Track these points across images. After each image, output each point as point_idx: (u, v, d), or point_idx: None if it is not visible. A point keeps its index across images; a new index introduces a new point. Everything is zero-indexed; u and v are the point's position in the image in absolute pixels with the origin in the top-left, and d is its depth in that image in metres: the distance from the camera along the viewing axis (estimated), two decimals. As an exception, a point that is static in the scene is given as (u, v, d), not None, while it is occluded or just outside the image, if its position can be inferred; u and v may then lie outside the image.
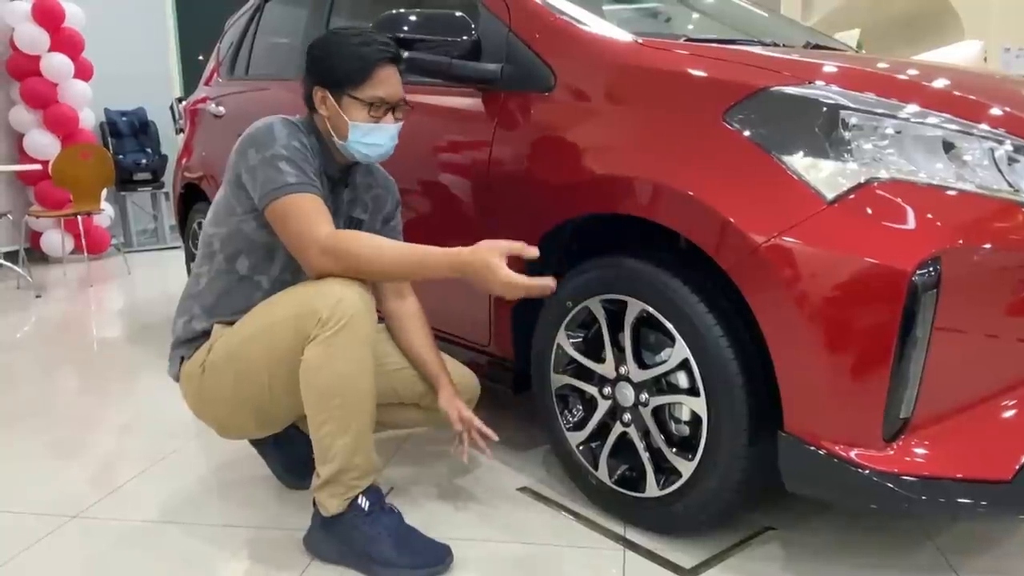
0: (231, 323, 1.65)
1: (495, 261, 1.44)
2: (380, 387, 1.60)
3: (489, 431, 1.78)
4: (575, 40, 1.79)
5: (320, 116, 1.66)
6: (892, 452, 1.30)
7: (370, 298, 1.54)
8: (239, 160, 1.61)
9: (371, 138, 1.63)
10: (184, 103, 3.95)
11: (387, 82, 1.62)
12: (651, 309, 1.56)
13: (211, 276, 1.69)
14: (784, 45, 2.09)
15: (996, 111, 1.42)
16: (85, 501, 1.91)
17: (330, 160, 1.69)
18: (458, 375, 1.87)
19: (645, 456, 1.64)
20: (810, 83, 1.42)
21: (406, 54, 1.84)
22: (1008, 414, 1.35)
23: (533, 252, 1.48)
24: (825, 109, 1.37)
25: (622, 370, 1.67)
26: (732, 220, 1.36)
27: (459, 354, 2.01)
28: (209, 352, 1.64)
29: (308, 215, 1.53)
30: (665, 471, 1.62)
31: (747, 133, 1.41)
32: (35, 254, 5.84)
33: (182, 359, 1.71)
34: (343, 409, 1.50)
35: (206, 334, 1.68)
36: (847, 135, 1.34)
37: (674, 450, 1.59)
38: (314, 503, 1.61)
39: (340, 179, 1.74)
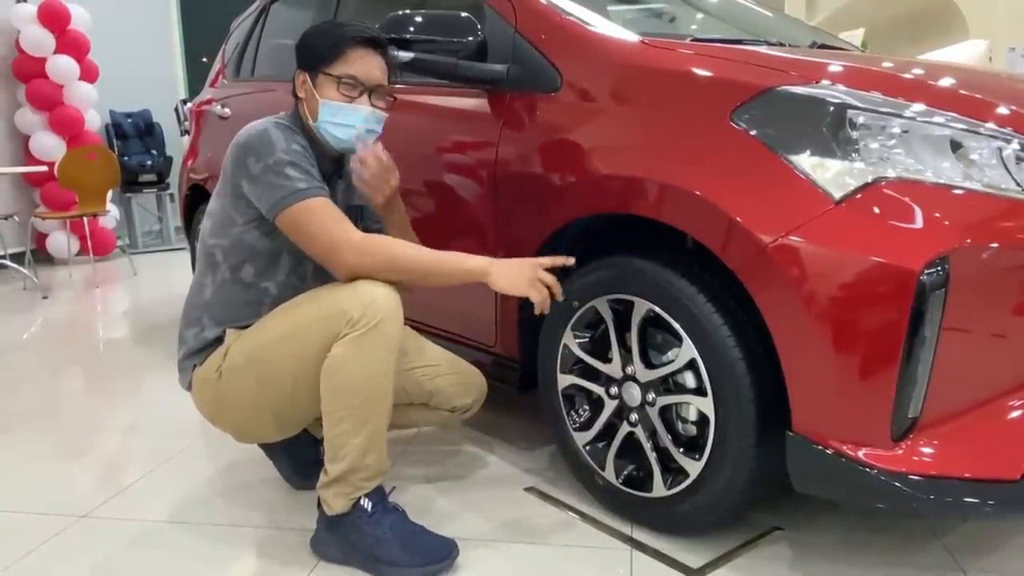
0: (244, 328, 1.64)
1: (532, 273, 1.55)
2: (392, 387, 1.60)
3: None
4: (581, 40, 1.79)
5: (301, 103, 1.66)
6: (900, 452, 1.30)
7: (400, 301, 1.54)
8: (237, 170, 1.58)
9: (340, 117, 1.61)
10: (189, 105, 3.96)
11: (362, 62, 1.61)
12: (658, 309, 1.56)
13: (216, 286, 1.66)
14: (790, 45, 2.09)
15: (1003, 110, 1.42)
16: (92, 501, 1.92)
17: (321, 155, 1.67)
18: (465, 373, 1.87)
19: (652, 456, 1.64)
20: (817, 83, 1.42)
21: (412, 55, 1.85)
22: (1015, 414, 1.35)
23: (569, 261, 1.58)
24: (832, 108, 1.37)
25: (629, 370, 1.67)
26: (739, 220, 1.36)
27: (465, 354, 2.01)
28: (225, 357, 1.62)
29: (332, 219, 1.53)
30: (672, 471, 1.62)
31: (754, 133, 1.41)
32: (41, 255, 5.86)
33: (194, 367, 1.68)
34: (362, 409, 1.50)
35: (218, 340, 1.65)
36: (854, 134, 1.34)
37: (681, 450, 1.59)
38: (318, 502, 1.61)
39: (334, 172, 1.73)
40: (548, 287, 1.56)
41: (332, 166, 1.72)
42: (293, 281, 1.67)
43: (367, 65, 1.62)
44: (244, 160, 1.56)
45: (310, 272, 1.69)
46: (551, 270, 1.58)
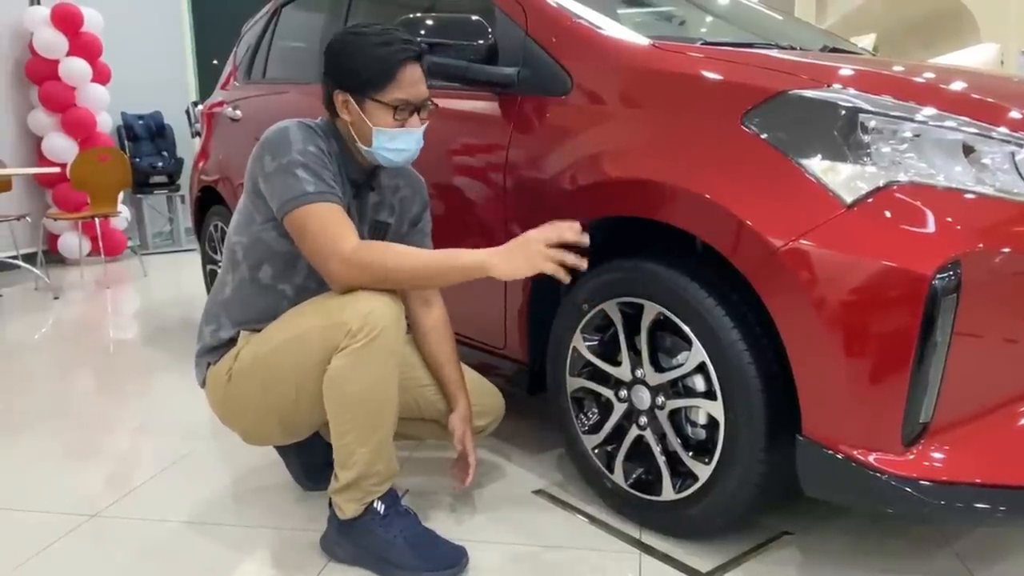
0: (258, 330, 1.63)
1: (532, 248, 1.44)
2: (403, 401, 1.60)
3: (466, 475, 1.77)
4: (592, 44, 1.79)
5: (343, 121, 1.61)
6: (911, 457, 1.29)
7: (400, 310, 1.51)
8: (255, 167, 1.58)
9: (397, 143, 1.58)
10: (200, 107, 3.98)
11: (411, 83, 1.56)
12: (668, 312, 1.56)
13: (236, 285, 1.67)
14: (800, 48, 2.08)
15: (1015, 114, 1.41)
16: (102, 502, 1.93)
17: (352, 164, 1.65)
18: (483, 395, 1.86)
19: (661, 459, 1.64)
20: (828, 86, 1.42)
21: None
22: (1027, 419, 1.34)
23: (576, 225, 1.46)
24: (844, 112, 1.36)
25: (638, 373, 1.66)
26: (750, 223, 1.36)
27: (474, 356, 2.01)
28: (236, 359, 1.62)
29: (329, 227, 1.49)
30: (681, 475, 1.62)
31: (765, 136, 1.41)
32: (52, 256, 5.90)
33: (208, 365, 1.69)
34: (367, 419, 1.50)
35: (233, 341, 1.65)
36: (866, 138, 1.34)
37: (690, 454, 1.59)
38: (330, 504, 1.62)
39: (365, 182, 1.70)
40: (561, 259, 1.45)
41: (363, 175, 1.69)
42: (310, 285, 1.65)
43: (415, 84, 1.57)
44: (261, 157, 1.56)
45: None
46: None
